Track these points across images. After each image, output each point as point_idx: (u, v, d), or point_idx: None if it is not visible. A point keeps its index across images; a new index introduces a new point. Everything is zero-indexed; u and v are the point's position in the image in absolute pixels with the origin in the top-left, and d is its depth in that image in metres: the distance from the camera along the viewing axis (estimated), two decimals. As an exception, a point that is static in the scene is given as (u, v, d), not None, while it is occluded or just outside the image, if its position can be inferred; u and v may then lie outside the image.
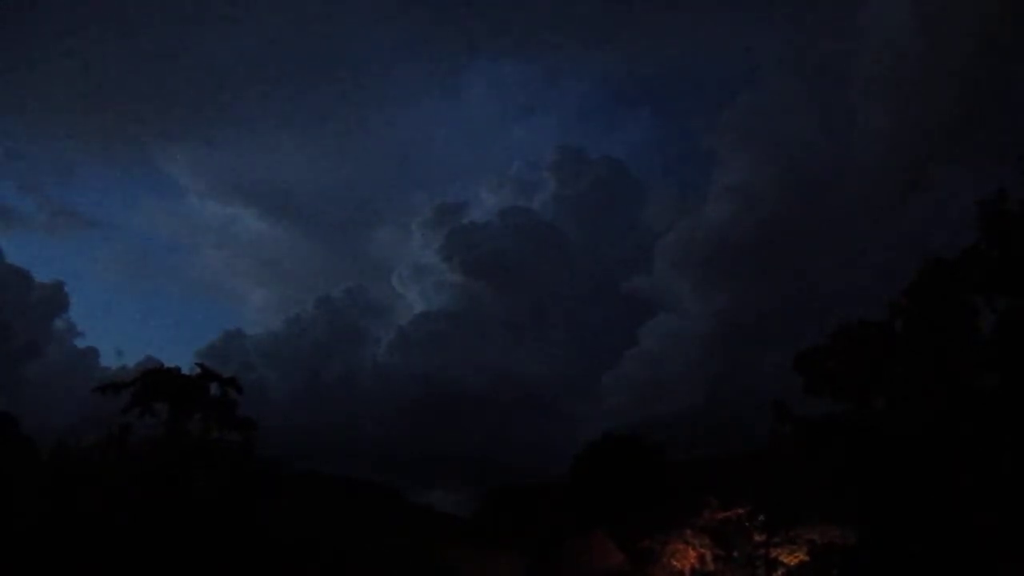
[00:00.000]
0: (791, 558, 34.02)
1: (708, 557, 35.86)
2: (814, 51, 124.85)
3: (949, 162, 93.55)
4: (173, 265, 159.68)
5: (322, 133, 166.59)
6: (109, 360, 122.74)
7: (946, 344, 31.62)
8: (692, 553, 36.03)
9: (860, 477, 32.52)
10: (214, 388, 31.65)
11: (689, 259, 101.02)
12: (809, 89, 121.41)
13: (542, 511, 54.53)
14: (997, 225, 31.40)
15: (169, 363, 32.53)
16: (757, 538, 35.23)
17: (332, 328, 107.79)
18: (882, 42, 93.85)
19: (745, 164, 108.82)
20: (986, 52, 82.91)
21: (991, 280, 31.30)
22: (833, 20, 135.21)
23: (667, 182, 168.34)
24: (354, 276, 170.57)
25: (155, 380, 30.99)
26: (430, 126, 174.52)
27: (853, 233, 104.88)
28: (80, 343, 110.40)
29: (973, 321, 31.78)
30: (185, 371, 32.33)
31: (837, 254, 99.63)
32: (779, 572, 34.39)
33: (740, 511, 35.85)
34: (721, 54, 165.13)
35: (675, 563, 36.29)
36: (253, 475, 28.25)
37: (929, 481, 30.41)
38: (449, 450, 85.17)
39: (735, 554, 35.70)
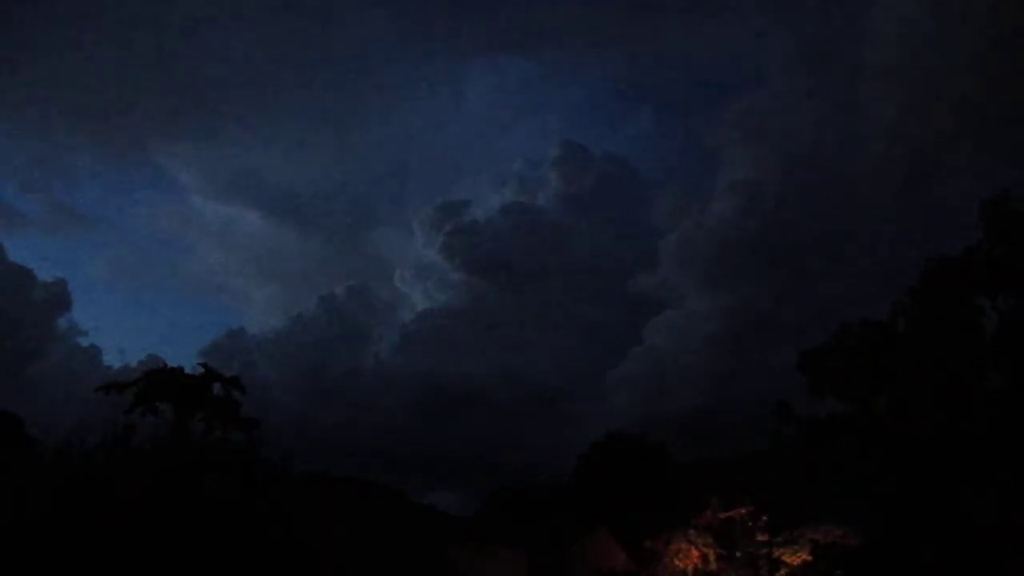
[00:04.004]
0: (794, 558, 34.02)
1: (711, 557, 35.85)
2: (819, 49, 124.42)
3: (955, 161, 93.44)
4: (175, 264, 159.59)
5: (324, 131, 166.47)
6: (111, 359, 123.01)
7: (949, 344, 31.58)
8: (695, 553, 36.02)
9: (863, 477, 32.51)
10: (217, 388, 31.72)
11: (694, 257, 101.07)
12: (814, 87, 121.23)
13: (545, 510, 54.66)
14: (1001, 224, 31.39)
15: (172, 362, 32.54)
16: (760, 538, 35.23)
17: (335, 327, 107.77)
18: (888, 40, 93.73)
19: (750, 161, 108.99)
20: (993, 51, 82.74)
21: (995, 279, 31.27)
22: (838, 18, 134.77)
23: (671, 180, 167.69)
24: (357, 275, 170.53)
25: (158, 380, 31.04)
26: (432, 124, 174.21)
27: (858, 231, 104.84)
28: (83, 342, 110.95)
29: (976, 321, 31.75)
30: (188, 370, 32.40)
31: (842, 252, 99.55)
32: (782, 572, 34.39)
33: (743, 511, 35.84)
34: (726, 51, 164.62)
35: (678, 563, 36.28)
36: (260, 475, 28.23)
37: (933, 481, 30.39)
38: (452, 449, 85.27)
39: (738, 554, 35.67)
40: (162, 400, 30.68)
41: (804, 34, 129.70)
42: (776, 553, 34.61)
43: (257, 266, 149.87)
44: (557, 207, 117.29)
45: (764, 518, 35.35)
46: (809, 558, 33.68)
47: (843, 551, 33.07)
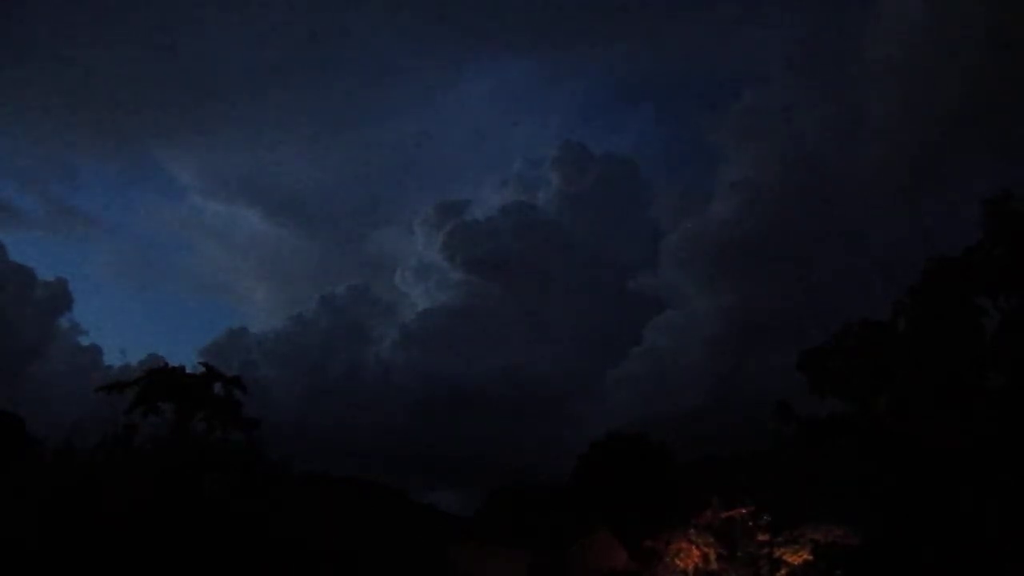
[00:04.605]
0: (795, 558, 33.95)
1: (712, 556, 35.77)
2: (820, 48, 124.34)
3: (956, 159, 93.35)
4: (176, 263, 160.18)
5: (324, 131, 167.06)
6: (112, 359, 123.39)
7: (950, 344, 31.56)
8: (696, 552, 35.93)
9: (863, 477, 32.50)
10: (218, 387, 31.62)
11: (695, 256, 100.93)
12: (815, 85, 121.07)
13: (546, 510, 54.59)
14: (1002, 224, 31.38)
15: (173, 361, 32.49)
16: (761, 538, 35.16)
17: (335, 326, 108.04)
18: (889, 39, 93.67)
19: (750, 161, 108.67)
20: (994, 48, 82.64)
21: (996, 279, 31.26)
22: (839, 17, 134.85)
23: (672, 179, 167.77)
24: (357, 274, 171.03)
25: (159, 379, 30.93)
26: (432, 124, 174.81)
27: (859, 230, 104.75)
28: (83, 341, 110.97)
29: (978, 320, 31.73)
30: (189, 370, 32.31)
31: (843, 252, 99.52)
32: (783, 572, 34.33)
33: (743, 510, 35.78)
34: (726, 51, 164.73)
35: (679, 562, 36.20)
36: (261, 475, 28.22)
37: (933, 480, 30.38)
38: (452, 449, 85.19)
39: (739, 553, 35.62)
40: (163, 400, 30.60)
41: (805, 33, 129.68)
42: (777, 553, 34.53)
43: (258, 266, 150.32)
44: (557, 207, 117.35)
45: (765, 518, 35.29)
46: (810, 558, 33.61)
47: (844, 551, 33.04)
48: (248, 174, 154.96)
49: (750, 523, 35.68)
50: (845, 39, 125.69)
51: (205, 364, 32.70)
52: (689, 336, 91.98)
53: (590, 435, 60.11)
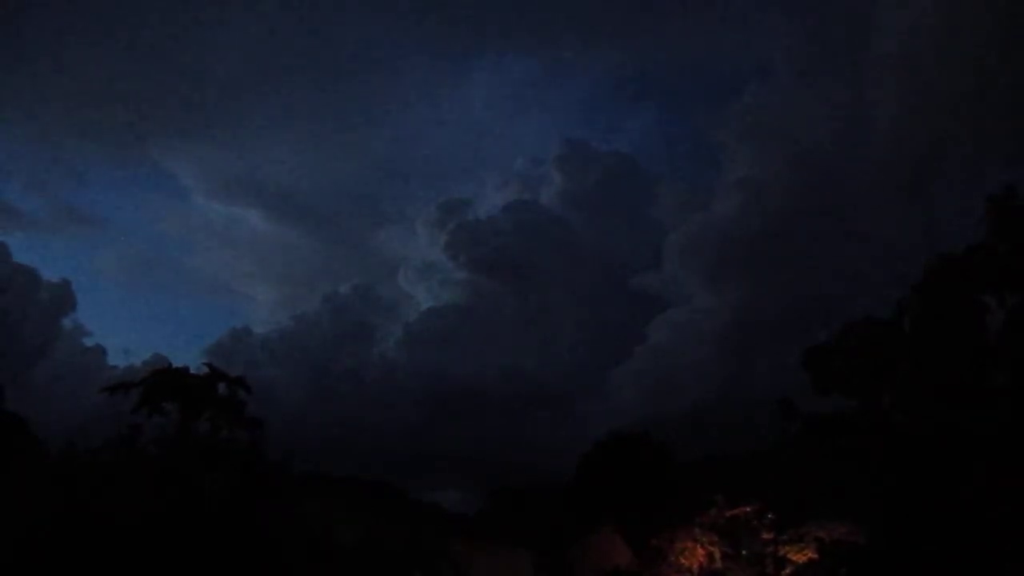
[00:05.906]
0: (800, 556, 33.95)
1: (716, 555, 35.79)
2: (824, 45, 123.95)
3: (960, 157, 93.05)
4: (179, 264, 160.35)
5: (326, 130, 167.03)
6: (116, 359, 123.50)
7: (954, 341, 31.52)
8: (700, 551, 35.95)
9: (867, 475, 32.47)
10: (222, 388, 31.55)
11: (698, 254, 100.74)
12: (818, 82, 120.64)
13: (548, 509, 54.58)
14: (1006, 222, 31.33)
15: (176, 362, 32.40)
16: (765, 536, 35.16)
17: (339, 325, 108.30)
18: (892, 37, 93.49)
19: (754, 158, 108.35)
20: (1000, 44, 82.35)
21: (1000, 277, 31.20)
22: (843, 14, 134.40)
23: (675, 177, 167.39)
24: (360, 273, 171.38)
25: (163, 380, 30.87)
26: (434, 122, 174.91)
27: (863, 228, 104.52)
28: (87, 342, 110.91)
29: (982, 318, 31.68)
30: (193, 370, 32.26)
31: (847, 249, 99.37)
32: (787, 570, 34.32)
33: (748, 509, 35.78)
34: (729, 48, 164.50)
35: (683, 561, 36.21)
36: (263, 475, 28.22)
37: (937, 479, 30.34)
38: (455, 447, 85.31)
39: (744, 552, 35.62)
40: (167, 400, 30.57)
41: (808, 30, 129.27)
42: (782, 551, 34.54)
43: (261, 266, 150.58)
44: (560, 205, 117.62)
45: (769, 516, 35.29)
46: (815, 556, 33.61)
47: (848, 549, 33.03)
48: (250, 174, 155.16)
49: (754, 521, 35.69)
50: (848, 35, 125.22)
51: (209, 364, 32.62)
52: (692, 334, 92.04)
53: (593, 433, 60.11)
